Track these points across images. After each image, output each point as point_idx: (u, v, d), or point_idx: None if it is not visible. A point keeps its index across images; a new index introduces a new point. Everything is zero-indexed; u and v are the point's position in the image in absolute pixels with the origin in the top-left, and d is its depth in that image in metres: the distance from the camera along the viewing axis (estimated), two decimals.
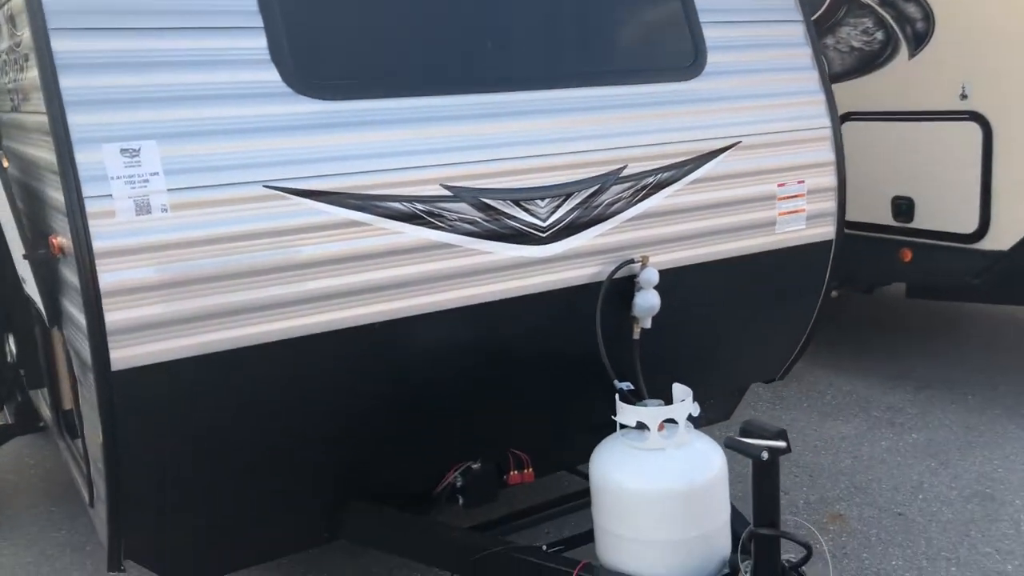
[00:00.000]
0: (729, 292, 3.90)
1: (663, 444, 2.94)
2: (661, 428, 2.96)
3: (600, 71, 3.50)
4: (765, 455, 2.55)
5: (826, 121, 4.06)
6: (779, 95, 3.94)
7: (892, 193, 5.85)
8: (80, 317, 2.71)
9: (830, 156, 4.07)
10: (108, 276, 2.63)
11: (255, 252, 2.83)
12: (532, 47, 3.42)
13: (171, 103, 2.74)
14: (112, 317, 2.64)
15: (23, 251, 3.02)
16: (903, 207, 5.82)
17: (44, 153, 2.91)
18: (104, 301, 2.63)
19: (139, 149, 2.67)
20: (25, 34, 2.80)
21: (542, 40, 3.46)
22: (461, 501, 3.70)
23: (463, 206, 3.18)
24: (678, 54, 3.72)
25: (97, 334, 2.62)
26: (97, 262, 2.61)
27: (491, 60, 3.31)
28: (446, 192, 3.15)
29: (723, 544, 2.99)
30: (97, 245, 2.61)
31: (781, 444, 2.46)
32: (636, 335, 3.63)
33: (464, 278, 3.22)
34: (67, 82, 2.61)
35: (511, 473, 3.80)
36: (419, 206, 3.10)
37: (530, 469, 3.82)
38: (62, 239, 2.82)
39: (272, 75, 2.90)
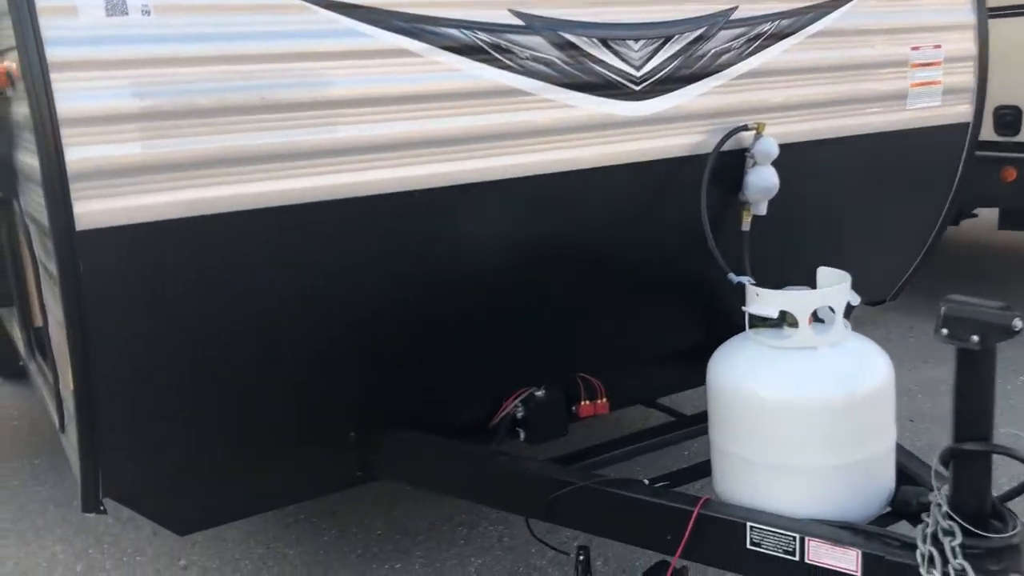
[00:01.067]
0: (851, 179, 3.16)
1: (814, 341, 2.20)
2: (810, 322, 2.23)
3: None
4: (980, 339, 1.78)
5: None
6: None
7: (994, 103, 5.08)
8: (34, 163, 1.99)
9: (970, 17, 3.32)
10: (68, 98, 1.91)
11: (267, 80, 2.10)
12: None
13: None
14: (75, 155, 1.92)
15: None
16: (1008, 119, 5.06)
17: None
18: (63, 132, 1.90)
19: None
20: None
21: None
22: (523, 436, 2.99)
23: (538, 41, 2.44)
24: None
25: (55, 179, 1.90)
26: (52, 78, 1.88)
27: None
28: (517, 21, 2.41)
29: (887, 476, 2.27)
30: (52, 54, 1.89)
31: (1017, 320, 1.71)
32: (745, 225, 2.89)
33: (534, 138, 2.48)
34: None
35: (582, 403, 3.08)
36: (482, 36, 2.36)
37: (604, 399, 3.10)
38: (9, 62, 2.09)
39: None
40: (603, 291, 2.84)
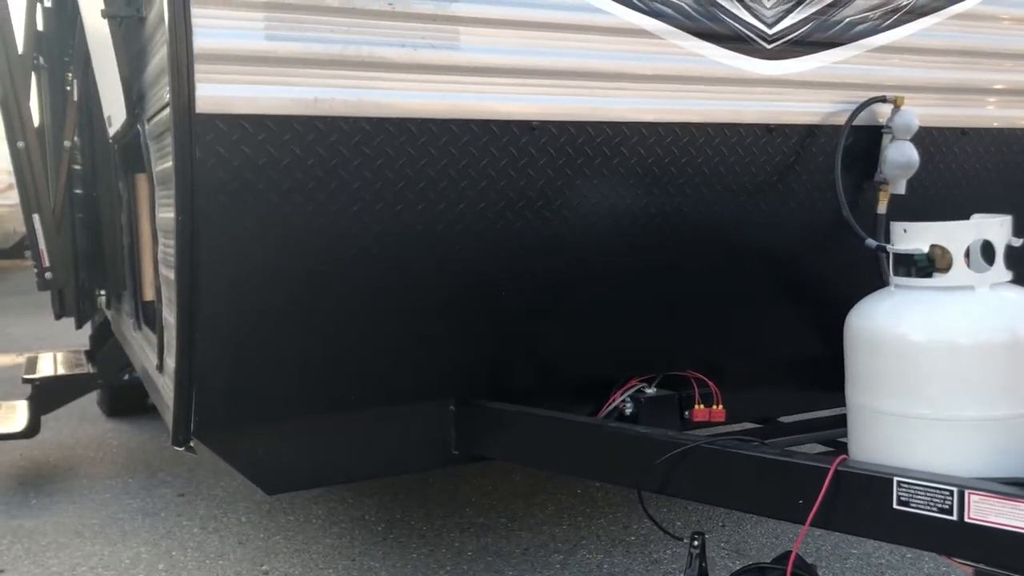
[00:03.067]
0: (995, 174, 2.93)
1: (972, 280, 1.97)
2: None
3: None
4: None
5: None
6: None
7: None
8: (161, 63, 2.00)
9: None
10: None
11: None
12: None
13: None
14: (202, 39, 1.92)
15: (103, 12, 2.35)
16: None
17: None
18: (194, 11, 1.91)
19: None
20: None
21: None
22: None
23: None
24: None
25: (181, 54, 1.89)
26: None
27: None
28: None
29: None
30: None
31: None
32: (882, 208, 2.70)
33: (658, 84, 2.40)
34: None
35: (696, 407, 2.84)
36: None
37: (720, 406, 2.86)
38: None
39: None
40: (721, 269, 2.66)
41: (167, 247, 2.22)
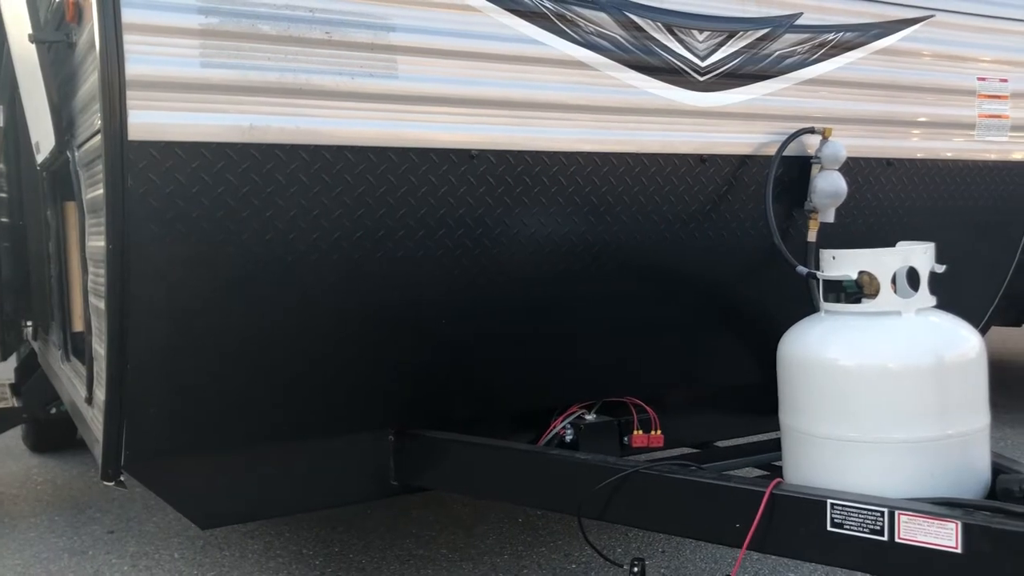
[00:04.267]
0: (917, 205, 3.04)
1: (898, 306, 2.03)
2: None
3: None
4: None
5: None
6: None
7: None
8: (92, 89, 1.96)
9: None
10: (133, 7, 1.90)
11: (331, 17, 2.09)
12: None
13: None
14: (135, 65, 1.89)
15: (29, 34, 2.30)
16: None
17: None
18: (126, 37, 1.88)
19: None
20: None
21: None
22: None
23: (602, 17, 2.43)
24: None
25: (114, 86, 1.86)
26: None
27: None
28: None
29: (983, 458, 2.03)
30: None
31: None
32: (812, 236, 2.77)
33: (595, 114, 2.43)
34: None
35: (635, 433, 2.87)
36: (548, 4, 2.35)
37: (659, 431, 2.89)
38: None
39: None
40: (657, 296, 2.70)
41: (97, 276, 2.17)
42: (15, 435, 5.13)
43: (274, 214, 2.07)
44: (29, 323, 4.17)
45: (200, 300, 2.06)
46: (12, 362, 4.87)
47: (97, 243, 2.12)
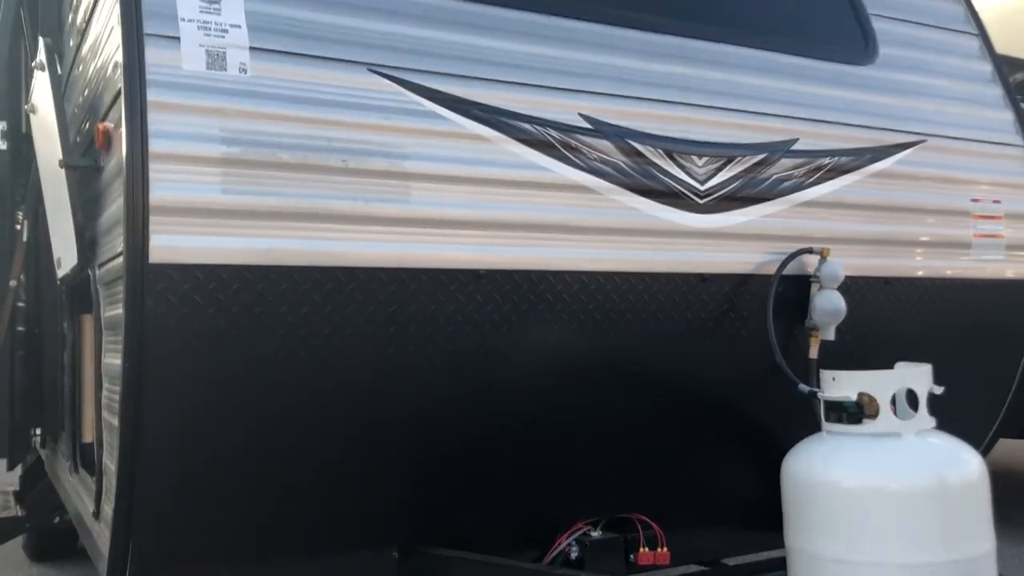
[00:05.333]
0: (917, 323, 3.09)
1: (898, 427, 2.06)
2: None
3: (770, 36, 2.95)
4: None
5: (1018, 139, 3.42)
6: (962, 100, 3.34)
7: None
8: (116, 213, 2.06)
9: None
10: (160, 137, 2.00)
11: (348, 146, 2.19)
12: None
13: None
14: (159, 190, 1.99)
15: (61, 159, 2.41)
16: None
17: (103, 56, 2.39)
18: (152, 166, 1.98)
19: None
20: None
21: None
22: None
23: (605, 144, 2.54)
24: (848, 39, 3.19)
25: (138, 210, 1.95)
26: (150, 117, 1.99)
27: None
28: (586, 124, 2.52)
29: None
30: (153, 96, 2.00)
31: None
32: (814, 353, 2.81)
33: (598, 235, 2.51)
34: None
35: (641, 550, 2.86)
36: (553, 133, 2.47)
37: (665, 548, 2.88)
38: (109, 123, 2.23)
39: None
40: (661, 411, 2.72)
41: (112, 392, 2.22)
42: (15, 542, 5.07)
43: (287, 333, 2.13)
44: (38, 431, 4.19)
45: (214, 420, 2.10)
46: (18, 469, 4.86)
47: (113, 360, 2.17)
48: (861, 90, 3.09)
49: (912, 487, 1.96)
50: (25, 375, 4.02)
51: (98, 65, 2.53)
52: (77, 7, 3.02)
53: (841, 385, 2.10)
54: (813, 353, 2.81)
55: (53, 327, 3.68)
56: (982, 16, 3.59)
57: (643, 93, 2.64)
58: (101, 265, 2.37)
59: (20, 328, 4.06)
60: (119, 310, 2.08)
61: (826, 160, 2.92)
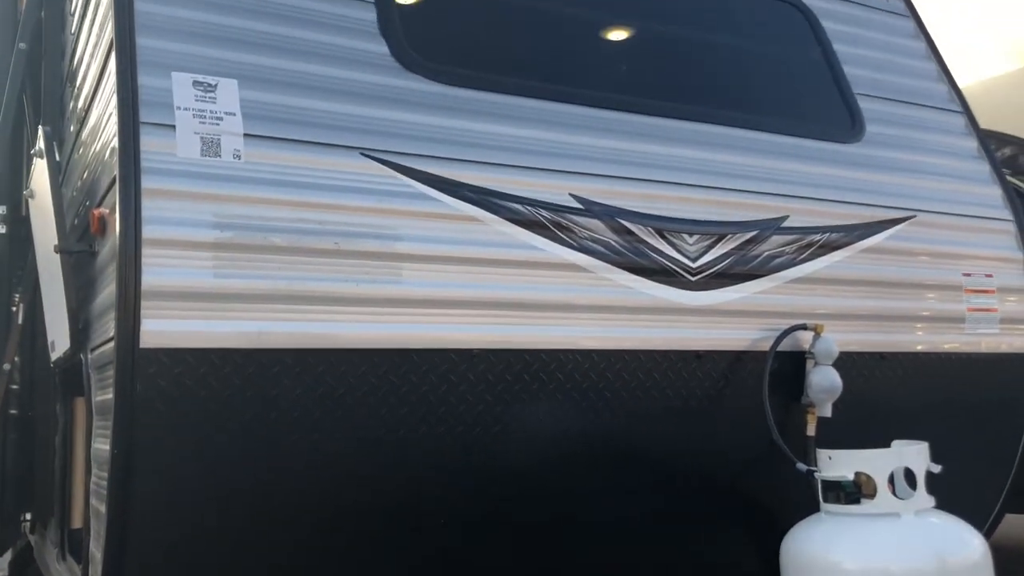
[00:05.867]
0: (915, 397, 3.07)
1: (897, 507, 2.03)
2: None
3: (757, 116, 3.01)
4: None
5: (1007, 214, 3.45)
6: (949, 177, 3.39)
7: None
8: (109, 297, 2.07)
9: (1018, 253, 3.41)
10: (154, 224, 2.02)
11: (341, 229, 2.21)
12: (683, 78, 2.99)
13: (261, 49, 2.29)
14: (151, 275, 2.00)
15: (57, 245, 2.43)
16: None
17: (101, 142, 2.43)
18: (144, 251, 1.99)
19: (216, 85, 2.18)
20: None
21: (693, 73, 3.04)
22: None
23: (596, 223, 2.56)
24: (835, 118, 3.25)
25: (130, 292, 1.96)
26: (144, 202, 2.01)
27: (640, 81, 2.87)
28: (576, 204, 2.55)
29: None
30: (148, 182, 2.03)
31: None
32: (811, 430, 2.79)
33: (592, 314, 2.52)
34: (143, 5, 2.18)
35: None
36: (544, 213, 2.49)
37: None
38: (104, 209, 2.25)
39: (381, 48, 2.46)
40: (656, 490, 2.69)
41: (100, 479, 2.19)
42: None
43: (278, 417, 2.12)
44: (28, 516, 4.12)
45: (202, 508, 2.07)
46: (8, 554, 4.76)
47: (102, 446, 2.15)
48: (849, 167, 3.14)
49: (912, 569, 1.92)
50: (17, 459, 3.98)
51: (96, 150, 2.57)
52: (78, 95, 3.08)
53: (838, 464, 2.07)
54: (810, 431, 2.79)
55: (46, 411, 3.65)
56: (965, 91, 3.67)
57: (633, 173, 2.67)
58: (93, 349, 2.37)
59: (13, 411, 4.03)
60: (110, 395, 2.07)
61: (817, 236, 2.94)
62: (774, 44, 3.34)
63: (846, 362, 2.87)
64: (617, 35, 3.06)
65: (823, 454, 2.15)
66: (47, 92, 3.45)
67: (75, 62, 3.17)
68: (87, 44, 2.87)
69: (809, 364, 2.81)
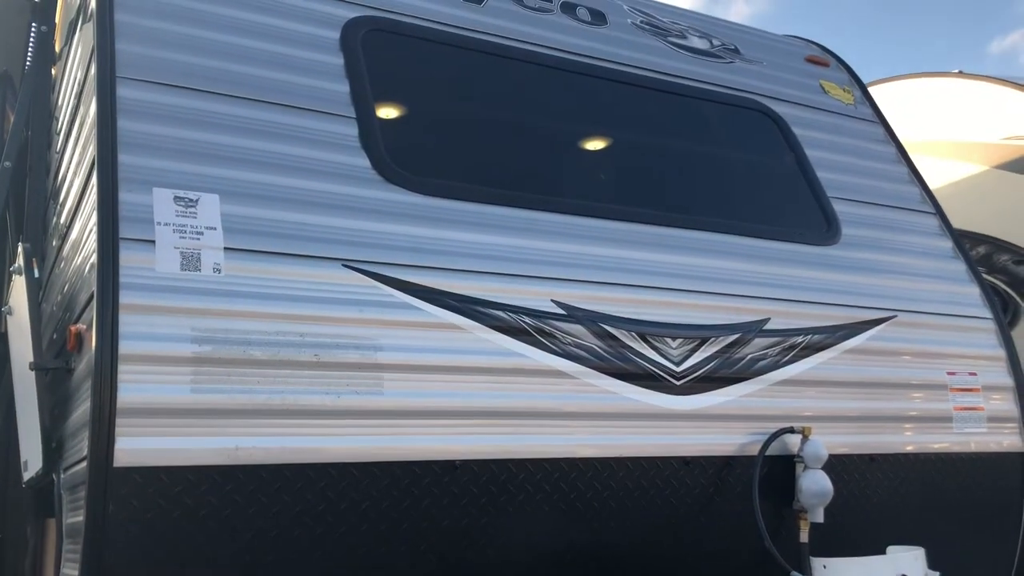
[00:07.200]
0: (907, 499, 3.02)
1: None
2: None
3: (735, 221, 3.05)
4: None
5: (986, 312, 3.47)
6: (927, 276, 3.42)
7: None
8: (84, 415, 2.03)
9: (999, 351, 3.42)
10: (131, 339, 2.00)
11: (321, 340, 2.20)
12: (661, 185, 3.05)
13: (243, 164, 2.32)
14: (127, 392, 1.96)
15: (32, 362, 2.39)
16: None
17: (81, 257, 2.43)
18: (121, 367, 1.96)
19: (197, 200, 2.19)
20: (89, 113, 2.47)
21: (671, 180, 3.10)
22: None
23: (578, 328, 2.56)
24: (812, 221, 3.30)
25: (105, 407, 1.92)
26: (121, 317, 1.99)
27: (619, 189, 2.93)
28: (558, 310, 2.55)
29: None
30: (126, 298, 2.02)
31: None
32: (804, 536, 2.72)
33: (576, 421, 2.49)
34: (126, 123, 2.22)
35: None
36: (526, 320, 2.49)
37: None
38: (82, 325, 2.23)
39: (362, 161, 2.49)
40: None
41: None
42: None
43: (254, 536, 2.05)
44: None
45: None
46: None
47: (71, 572, 2.07)
48: (828, 269, 3.17)
49: None
50: None
51: (76, 265, 2.56)
52: (61, 211, 3.09)
53: (833, 573, 2.02)
54: (803, 537, 2.72)
55: (16, 532, 3.53)
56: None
57: (614, 279, 2.68)
58: (66, 469, 2.31)
59: None
60: (80, 516, 2.00)
61: (799, 338, 2.94)
62: (749, 151, 3.42)
63: (836, 465, 2.83)
64: (597, 145, 3.13)
65: (818, 563, 2.10)
66: (30, 209, 3.46)
67: (59, 179, 3.19)
68: (71, 162, 2.90)
69: (799, 468, 2.76)
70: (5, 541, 3.80)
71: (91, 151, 2.33)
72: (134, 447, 1.95)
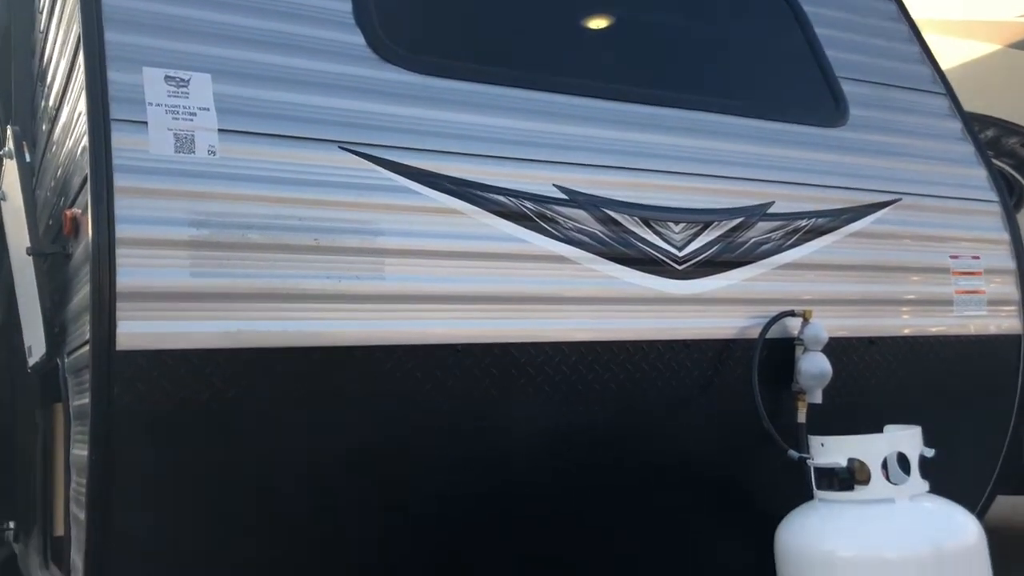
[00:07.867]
0: (905, 381, 3.05)
1: (891, 492, 2.01)
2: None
3: (740, 102, 2.98)
4: None
5: (992, 195, 3.43)
6: (934, 159, 3.37)
7: None
8: (84, 300, 2.01)
9: (1003, 234, 3.40)
10: (127, 222, 1.97)
11: (319, 224, 2.17)
12: (665, 65, 2.95)
13: (235, 42, 2.24)
14: (126, 276, 1.95)
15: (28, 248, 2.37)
16: None
17: (73, 140, 2.37)
18: (119, 251, 1.94)
19: (188, 80, 2.12)
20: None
21: (675, 60, 3.00)
22: None
23: (580, 213, 2.52)
24: (819, 102, 3.22)
25: (105, 293, 1.91)
26: (116, 203, 1.96)
27: (622, 69, 2.83)
28: (560, 195, 2.51)
29: None
30: (120, 180, 1.98)
31: None
32: (802, 417, 2.76)
33: (577, 305, 2.48)
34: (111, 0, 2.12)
35: None
36: (528, 204, 2.45)
37: None
38: (77, 209, 2.19)
39: (357, 38, 2.41)
40: (647, 483, 2.65)
41: (79, 485, 2.14)
42: None
43: (260, 419, 2.07)
44: (11, 525, 4.07)
45: (183, 513, 2.02)
46: None
47: (80, 452, 2.10)
48: (834, 151, 3.11)
49: (908, 555, 1.90)
50: None
51: (68, 148, 2.51)
52: (49, 93, 3.02)
53: (831, 451, 2.05)
54: (801, 417, 2.76)
55: (26, 417, 3.59)
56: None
57: (617, 162, 2.64)
58: (70, 353, 2.31)
59: None
60: (87, 399, 2.02)
61: (803, 222, 2.91)
62: (756, 29, 3.31)
63: (835, 348, 2.85)
64: (599, 23, 3.02)
65: (815, 441, 2.13)
66: (17, 92, 3.38)
67: (45, 60, 3.10)
68: (56, 41, 2.81)
69: (798, 351, 2.78)
70: (16, 426, 3.87)
71: (76, 29, 2.25)
72: (136, 331, 1.95)
